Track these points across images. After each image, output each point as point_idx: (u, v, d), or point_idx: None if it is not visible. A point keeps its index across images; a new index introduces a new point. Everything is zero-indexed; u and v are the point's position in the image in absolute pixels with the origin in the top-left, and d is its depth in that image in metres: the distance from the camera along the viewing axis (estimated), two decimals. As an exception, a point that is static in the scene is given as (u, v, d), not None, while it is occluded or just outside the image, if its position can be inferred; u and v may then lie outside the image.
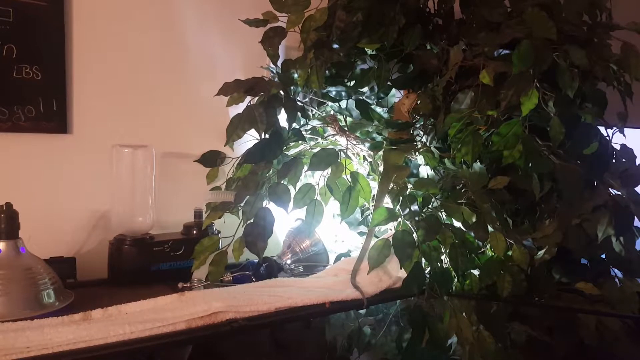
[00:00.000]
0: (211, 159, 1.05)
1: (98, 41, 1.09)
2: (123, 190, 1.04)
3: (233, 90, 0.98)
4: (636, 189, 0.96)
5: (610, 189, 0.92)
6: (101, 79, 1.09)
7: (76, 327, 0.70)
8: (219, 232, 1.07)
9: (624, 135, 0.94)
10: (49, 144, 1.05)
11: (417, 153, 1.01)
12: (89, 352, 0.65)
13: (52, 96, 1.03)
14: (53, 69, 1.03)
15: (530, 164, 0.87)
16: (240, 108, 0.97)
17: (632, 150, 0.97)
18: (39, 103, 1.02)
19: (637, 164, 0.97)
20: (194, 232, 1.06)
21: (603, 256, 0.95)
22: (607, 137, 0.95)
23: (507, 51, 0.92)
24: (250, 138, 0.98)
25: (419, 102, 1.01)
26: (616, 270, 0.96)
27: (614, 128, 0.95)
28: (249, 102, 0.99)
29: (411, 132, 1.04)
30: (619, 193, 0.93)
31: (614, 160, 0.96)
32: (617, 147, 0.96)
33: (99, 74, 1.09)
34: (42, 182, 1.04)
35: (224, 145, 0.96)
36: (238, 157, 1.04)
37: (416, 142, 1.02)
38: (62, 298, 0.84)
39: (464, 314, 0.92)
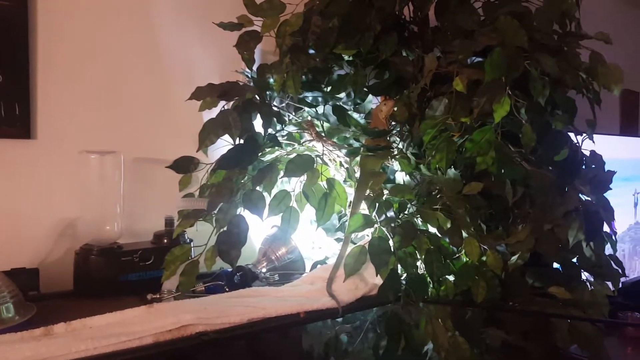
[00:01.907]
0: (184, 165, 1.02)
1: (65, 43, 1.05)
2: (90, 198, 1.00)
3: (206, 94, 0.96)
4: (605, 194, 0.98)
5: (580, 195, 0.94)
6: (68, 81, 1.06)
7: (36, 343, 0.67)
8: (191, 240, 1.04)
9: (593, 142, 0.96)
10: (11, 149, 1.00)
11: (393, 159, 1.01)
12: (49, 369, 0.62)
13: (15, 100, 0.99)
14: (15, 72, 0.99)
15: (503, 170, 0.88)
16: (214, 112, 0.95)
17: (601, 156, 0.99)
18: (0, 107, 0.97)
19: (605, 170, 0.99)
20: (165, 240, 1.03)
21: (574, 261, 0.97)
22: (577, 144, 0.97)
23: (480, 59, 0.93)
24: (225, 143, 0.96)
25: (395, 108, 1.02)
26: (587, 274, 0.97)
27: (584, 135, 0.96)
28: (223, 106, 0.97)
29: (388, 138, 1.03)
30: (589, 199, 0.95)
31: (583, 167, 0.98)
32: (587, 153, 0.98)
33: (66, 77, 1.05)
34: (4, 190, 1.00)
35: (197, 151, 0.94)
36: (212, 163, 1.01)
37: (393, 148, 1.02)
38: (23, 312, 0.80)
39: (439, 320, 0.92)
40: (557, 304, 0.91)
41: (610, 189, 0.97)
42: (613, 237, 0.99)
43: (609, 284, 0.97)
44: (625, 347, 1.50)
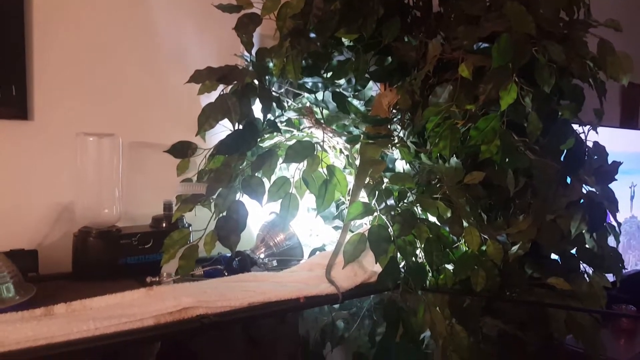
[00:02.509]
0: (182, 150, 1.01)
1: (62, 23, 1.03)
2: (88, 181, 0.99)
3: (205, 78, 0.94)
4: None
5: (584, 186, 0.93)
6: (65, 62, 1.04)
7: (37, 323, 0.66)
8: (189, 225, 1.03)
9: (597, 133, 0.96)
10: (8, 130, 0.99)
11: (393, 147, 1.00)
12: (50, 349, 0.62)
13: (11, 81, 0.97)
14: (11, 52, 0.97)
15: (507, 159, 0.87)
16: (212, 97, 0.94)
17: (604, 147, 0.99)
18: (-4, 87, 0.96)
19: (609, 162, 0.98)
20: (163, 224, 1.02)
21: (573, 252, 0.97)
22: (581, 134, 0.96)
23: (485, 45, 0.91)
24: (223, 128, 0.95)
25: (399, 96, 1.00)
26: (585, 266, 0.97)
27: (588, 126, 0.95)
28: (222, 91, 0.95)
29: (389, 126, 1.02)
30: (593, 190, 0.94)
31: (586, 157, 0.97)
32: (589, 144, 0.98)
33: (63, 58, 1.04)
34: (1, 171, 0.99)
35: (195, 136, 0.92)
36: (210, 148, 1.00)
37: (393, 136, 1.01)
38: (23, 292, 0.79)
39: (437, 308, 0.92)
40: (554, 295, 0.91)
41: (615, 179, 0.96)
42: (617, 229, 0.99)
43: (609, 276, 0.97)
44: (618, 339, 1.52)
